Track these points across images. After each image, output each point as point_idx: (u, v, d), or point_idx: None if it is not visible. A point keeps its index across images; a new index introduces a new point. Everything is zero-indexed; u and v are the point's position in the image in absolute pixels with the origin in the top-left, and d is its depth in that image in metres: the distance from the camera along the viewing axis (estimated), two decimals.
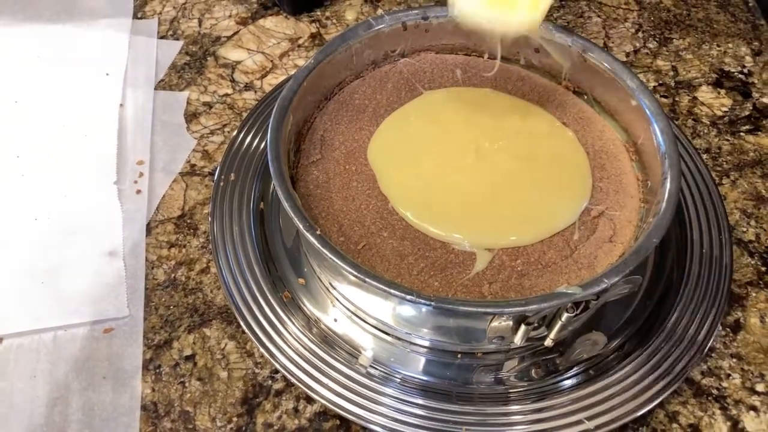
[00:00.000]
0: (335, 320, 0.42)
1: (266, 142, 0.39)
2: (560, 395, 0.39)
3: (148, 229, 0.46)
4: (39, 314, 0.42)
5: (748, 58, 0.59)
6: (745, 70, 0.58)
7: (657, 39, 0.60)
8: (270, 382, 0.40)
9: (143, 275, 0.44)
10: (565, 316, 0.35)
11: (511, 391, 0.39)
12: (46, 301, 0.42)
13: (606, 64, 0.43)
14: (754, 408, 0.40)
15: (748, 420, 0.39)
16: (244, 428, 0.38)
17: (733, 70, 0.58)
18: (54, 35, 0.58)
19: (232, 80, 0.56)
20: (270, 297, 0.42)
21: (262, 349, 0.40)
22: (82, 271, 0.44)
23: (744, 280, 0.45)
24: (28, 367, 0.40)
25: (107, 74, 0.55)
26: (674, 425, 0.39)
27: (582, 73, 0.45)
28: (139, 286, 0.43)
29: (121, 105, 0.53)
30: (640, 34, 0.61)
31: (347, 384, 0.39)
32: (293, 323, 0.41)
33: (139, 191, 0.48)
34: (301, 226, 0.36)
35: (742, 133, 0.53)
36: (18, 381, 0.39)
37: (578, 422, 0.38)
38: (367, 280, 0.34)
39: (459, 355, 0.40)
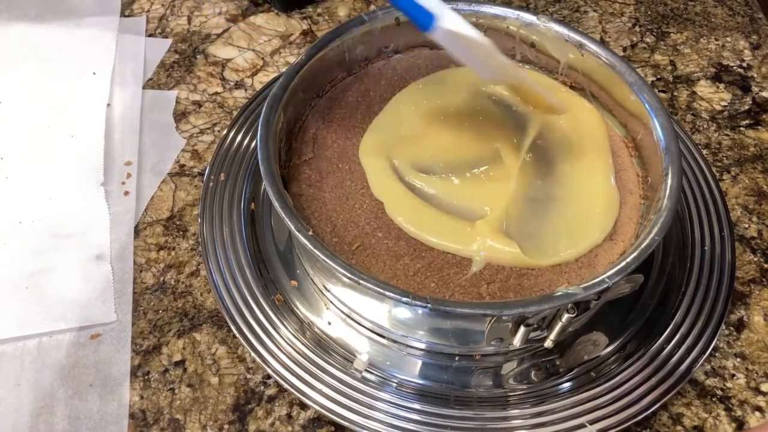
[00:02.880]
0: (329, 323, 0.41)
1: (256, 140, 0.38)
2: (561, 398, 0.38)
3: (136, 232, 0.45)
4: (23, 320, 0.40)
5: (747, 52, 0.58)
6: (744, 64, 0.57)
7: (654, 33, 0.59)
8: (262, 387, 0.39)
9: (131, 279, 0.43)
10: (565, 316, 0.34)
11: (510, 394, 0.38)
12: (31, 306, 0.41)
13: (604, 59, 0.42)
14: (759, 408, 0.39)
15: (753, 421, 0.38)
16: None
17: (731, 64, 0.57)
18: (40, 34, 0.57)
19: (222, 78, 0.55)
20: (262, 300, 0.41)
21: (253, 354, 0.38)
22: (67, 276, 0.42)
23: (747, 277, 0.44)
24: (12, 375, 0.39)
25: (94, 73, 0.54)
26: (678, 427, 0.38)
27: (579, 69, 0.44)
28: (127, 290, 0.42)
29: (108, 104, 0.52)
30: (637, 29, 0.60)
31: (342, 389, 0.38)
32: (286, 327, 0.40)
33: (126, 192, 0.47)
34: (292, 227, 0.35)
35: (742, 128, 0.53)
36: (1, 390, 0.38)
37: (580, 426, 0.37)
38: (361, 282, 0.33)
39: (457, 358, 0.39)
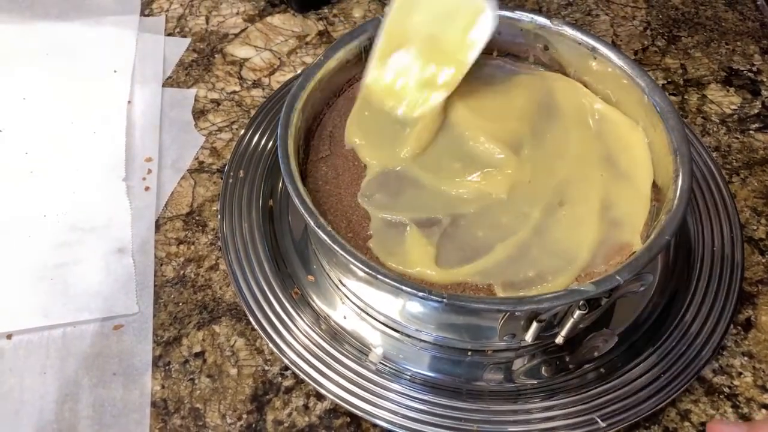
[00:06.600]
0: (344, 317, 0.42)
1: (276, 139, 0.39)
2: (570, 393, 0.39)
3: (157, 226, 0.46)
4: (48, 311, 0.42)
5: (757, 57, 0.59)
6: (754, 69, 0.58)
7: (665, 37, 0.60)
8: (280, 379, 0.40)
9: (152, 272, 0.44)
10: (577, 313, 0.35)
11: (521, 388, 0.39)
12: (56, 297, 0.42)
13: (616, 62, 0.43)
14: (765, 406, 0.40)
15: (759, 418, 0.39)
16: (254, 425, 0.38)
17: (741, 68, 0.58)
18: (61, 33, 0.58)
19: (240, 77, 0.56)
20: (279, 294, 0.42)
21: (271, 346, 0.39)
22: (91, 268, 0.44)
23: (755, 278, 0.45)
24: (38, 363, 0.40)
25: (115, 71, 0.55)
26: (686, 423, 0.39)
27: (591, 71, 0.45)
28: (148, 282, 0.43)
29: (129, 102, 0.53)
30: (648, 32, 0.61)
31: (357, 381, 0.38)
32: (303, 320, 0.41)
33: (147, 188, 0.48)
34: (311, 222, 0.36)
35: (751, 131, 0.53)
36: (27, 377, 0.39)
37: (589, 421, 0.37)
38: (378, 276, 0.34)
39: (469, 353, 0.40)
